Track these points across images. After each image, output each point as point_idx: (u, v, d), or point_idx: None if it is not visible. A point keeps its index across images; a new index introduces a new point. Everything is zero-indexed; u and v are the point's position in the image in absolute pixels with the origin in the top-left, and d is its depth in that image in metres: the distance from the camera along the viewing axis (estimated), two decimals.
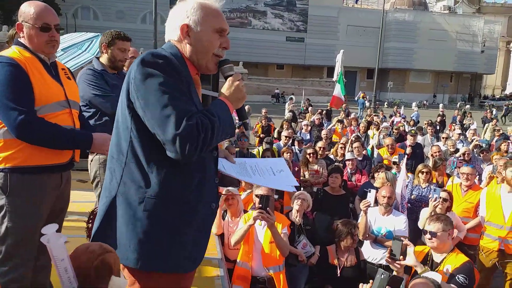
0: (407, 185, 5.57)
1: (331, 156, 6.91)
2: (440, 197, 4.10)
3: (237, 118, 1.73)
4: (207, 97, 1.77)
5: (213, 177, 1.61)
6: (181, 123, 1.32)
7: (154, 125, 1.36)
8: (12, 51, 2.10)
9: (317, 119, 11.39)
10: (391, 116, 17.14)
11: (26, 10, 2.13)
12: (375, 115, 14.39)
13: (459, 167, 5.36)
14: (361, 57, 44.66)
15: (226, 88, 1.54)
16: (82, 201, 3.86)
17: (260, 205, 2.98)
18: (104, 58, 2.92)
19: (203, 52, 1.51)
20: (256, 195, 3.40)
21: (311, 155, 6.02)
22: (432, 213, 3.95)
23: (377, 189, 4.30)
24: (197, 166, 1.49)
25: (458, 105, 33.66)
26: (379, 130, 9.63)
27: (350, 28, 47.03)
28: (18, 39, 2.17)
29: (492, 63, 54.14)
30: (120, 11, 40.69)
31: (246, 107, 14.31)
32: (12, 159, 2.01)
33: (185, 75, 1.44)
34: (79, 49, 5.55)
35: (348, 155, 6.16)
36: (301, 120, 13.47)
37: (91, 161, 2.86)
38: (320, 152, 6.38)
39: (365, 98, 28.65)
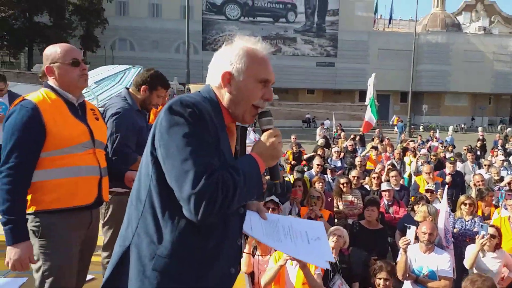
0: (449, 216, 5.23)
1: (366, 186, 6.63)
2: (488, 234, 3.78)
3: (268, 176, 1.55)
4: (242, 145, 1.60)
5: (236, 237, 1.46)
6: (199, 181, 1.20)
7: (172, 179, 1.26)
8: (37, 95, 2.11)
9: (349, 145, 11.11)
10: (427, 141, 16.52)
11: (53, 51, 2.16)
12: (411, 140, 13.90)
13: (508, 199, 4.97)
14: (393, 80, 43.99)
15: (260, 143, 1.41)
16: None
17: None
18: (139, 97, 2.86)
19: (242, 102, 1.41)
20: None
21: (345, 184, 5.79)
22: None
23: (417, 223, 4.02)
24: (218, 224, 1.35)
25: (498, 128, 32.23)
26: (417, 157, 9.23)
27: (381, 51, 46.65)
28: (47, 81, 2.18)
29: None
30: (155, 41, 42.32)
31: None
32: (40, 202, 2.03)
33: (217, 122, 1.34)
34: (112, 81, 5.70)
35: (384, 185, 5.88)
36: (334, 145, 13.18)
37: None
38: (354, 181, 6.14)
39: (401, 122, 28.01)
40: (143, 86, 2.84)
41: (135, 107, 2.82)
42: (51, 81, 2.17)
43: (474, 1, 61.75)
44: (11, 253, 1.93)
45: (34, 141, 1.98)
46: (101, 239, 3.62)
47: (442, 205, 4.72)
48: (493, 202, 5.91)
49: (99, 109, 2.56)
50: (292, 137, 12.55)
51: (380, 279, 3.34)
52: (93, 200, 2.18)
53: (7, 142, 1.97)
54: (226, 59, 1.41)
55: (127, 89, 2.94)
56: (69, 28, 34.69)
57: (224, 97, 1.42)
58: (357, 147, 12.67)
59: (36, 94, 2.12)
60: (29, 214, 2.02)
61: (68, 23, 34.80)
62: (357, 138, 13.49)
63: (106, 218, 2.86)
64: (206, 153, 1.26)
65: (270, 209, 4.15)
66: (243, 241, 3.31)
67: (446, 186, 6.51)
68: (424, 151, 11.26)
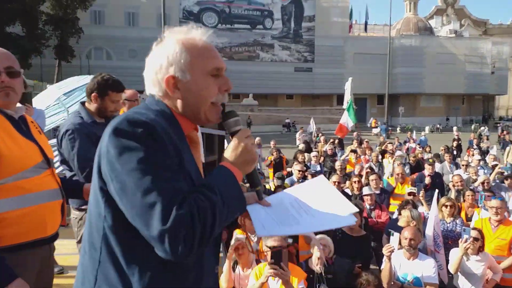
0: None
1: (347, 190, 6.57)
2: (471, 237, 3.74)
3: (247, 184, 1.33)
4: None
5: (214, 265, 1.27)
6: (169, 214, 0.98)
7: (135, 217, 1.02)
8: None
9: (329, 149, 11.09)
10: (405, 143, 16.74)
11: None
12: (389, 143, 14.03)
13: (487, 200, 4.98)
14: (370, 83, 44.67)
15: (231, 149, 1.18)
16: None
17: (273, 260, 2.67)
18: (92, 107, 2.68)
19: (198, 104, 1.19)
20: (267, 246, 3.09)
21: None
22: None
23: (401, 229, 3.96)
24: (193, 259, 1.12)
25: (472, 127, 33.04)
26: (394, 159, 9.27)
27: (357, 56, 47.35)
28: None
29: (504, 84, 53.64)
30: (132, 50, 41.66)
31: (257, 139, 14.11)
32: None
33: (176, 138, 1.12)
34: (83, 92, 5.45)
35: (365, 190, 5.82)
36: (315, 150, 13.14)
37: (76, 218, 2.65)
38: (335, 186, 6.06)
39: (384, 125, 28.32)
40: (92, 95, 2.64)
41: (90, 119, 2.64)
42: None
43: (445, 5, 63.68)
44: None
45: None
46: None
47: (432, 209, 4.67)
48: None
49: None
50: (272, 142, 12.49)
51: None
52: (55, 231, 1.91)
53: None
54: (163, 61, 1.17)
55: (82, 103, 2.76)
56: (43, 38, 33.68)
57: (177, 104, 1.19)
58: (336, 150, 12.70)
59: None
60: None
61: (41, 33, 33.77)
62: (336, 141, 13.52)
63: (79, 237, 2.65)
64: (169, 177, 1.04)
65: None
66: (223, 255, 3.11)
67: (425, 187, 6.54)
68: (400, 152, 11.35)
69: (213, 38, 1.24)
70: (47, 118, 5.34)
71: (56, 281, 2.24)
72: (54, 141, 2.89)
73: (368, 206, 5.61)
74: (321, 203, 1.34)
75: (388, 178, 8.23)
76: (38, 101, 6.28)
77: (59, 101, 5.95)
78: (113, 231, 1.10)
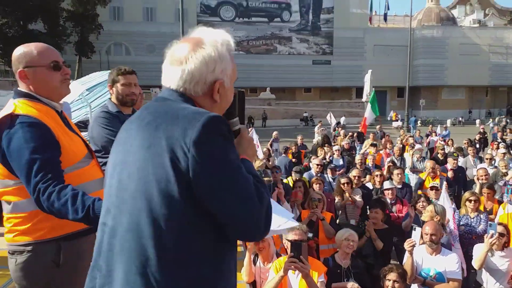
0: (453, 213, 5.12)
1: (368, 184, 6.49)
2: (497, 233, 3.66)
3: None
4: None
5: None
6: (260, 200, 1.14)
7: (234, 210, 1.10)
8: (22, 106, 1.76)
9: (346, 143, 10.97)
10: (427, 136, 16.41)
11: (27, 52, 1.80)
12: (410, 136, 13.77)
13: None
14: (390, 76, 43.93)
15: (244, 145, 1.34)
16: None
17: (292, 254, 2.68)
18: (113, 98, 2.76)
19: (222, 109, 1.32)
20: (288, 240, 3.10)
21: (345, 184, 5.66)
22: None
23: (423, 224, 3.90)
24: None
25: (496, 120, 32.09)
26: (412, 152, 9.10)
27: (377, 47, 46.58)
28: (18, 88, 1.85)
29: None
30: (150, 45, 42.08)
31: (274, 133, 14.09)
32: (64, 225, 1.80)
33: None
34: (105, 87, 5.55)
35: (386, 184, 5.74)
36: (335, 144, 13.00)
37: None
38: (355, 181, 6.01)
39: (397, 118, 27.86)
40: (108, 86, 2.80)
41: (115, 110, 2.72)
42: (25, 88, 1.84)
43: None
44: None
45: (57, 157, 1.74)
46: None
47: (446, 202, 4.62)
48: (497, 197, 5.79)
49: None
50: (299, 138, 12.35)
51: (389, 280, 3.22)
52: None
53: (30, 164, 1.66)
54: (210, 66, 1.23)
55: (110, 98, 2.85)
56: (64, 35, 34.49)
57: (211, 107, 1.26)
58: (355, 144, 12.53)
59: (20, 105, 1.77)
60: (48, 241, 1.77)
61: (62, 29, 34.57)
62: (355, 135, 13.34)
63: None
64: (248, 170, 1.19)
65: None
66: (243, 248, 3.14)
67: (445, 183, 6.42)
68: (418, 146, 11.13)
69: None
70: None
71: None
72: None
73: (388, 201, 5.53)
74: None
75: (408, 172, 8.12)
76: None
77: (81, 96, 6.06)
78: (197, 229, 1.14)
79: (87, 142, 2.07)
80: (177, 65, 1.24)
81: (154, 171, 1.10)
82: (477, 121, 20.18)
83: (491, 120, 32.64)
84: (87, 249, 1.84)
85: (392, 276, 3.21)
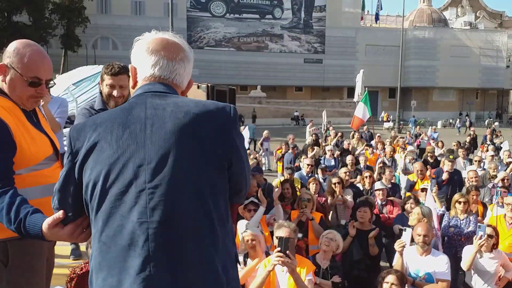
0: (441, 215, 5.13)
1: (358, 185, 6.46)
2: (486, 234, 3.66)
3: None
4: None
5: None
6: None
7: (245, 177, 1.42)
8: None
9: (347, 143, 10.98)
10: (416, 137, 16.50)
11: (19, 53, 1.78)
12: (401, 137, 13.81)
13: (504, 196, 4.86)
14: (381, 76, 44.10)
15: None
16: None
17: (279, 248, 2.66)
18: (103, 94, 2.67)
19: None
20: (276, 237, 3.07)
21: (337, 184, 5.63)
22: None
23: (412, 228, 3.88)
24: None
25: (486, 123, 32.50)
26: (405, 154, 9.11)
27: (368, 47, 46.77)
28: None
29: None
30: None
31: (265, 132, 14.04)
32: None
33: None
34: (92, 82, 5.45)
35: (377, 184, 5.72)
36: (326, 144, 12.98)
37: None
38: (345, 178, 5.99)
39: (388, 119, 28.02)
40: (100, 81, 2.71)
41: (100, 107, 2.61)
42: (0, 81, 1.81)
43: None
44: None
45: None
46: None
47: (431, 204, 4.62)
48: (486, 200, 5.82)
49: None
50: (290, 136, 12.31)
51: (387, 283, 3.19)
52: None
53: None
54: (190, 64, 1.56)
55: (101, 92, 2.74)
56: (49, 27, 33.55)
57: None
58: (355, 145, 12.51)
59: None
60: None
61: (48, 22, 33.61)
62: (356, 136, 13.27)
63: None
64: None
65: (252, 211, 4.11)
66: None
67: (442, 183, 6.43)
68: (411, 147, 11.18)
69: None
70: None
71: None
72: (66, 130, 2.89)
73: (379, 202, 5.52)
74: None
75: (399, 173, 8.12)
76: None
77: (68, 91, 5.93)
78: (223, 201, 1.35)
79: (56, 142, 1.97)
80: None
81: (202, 157, 1.27)
82: (467, 123, 20.43)
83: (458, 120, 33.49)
84: (45, 248, 1.83)
85: (390, 279, 3.19)
